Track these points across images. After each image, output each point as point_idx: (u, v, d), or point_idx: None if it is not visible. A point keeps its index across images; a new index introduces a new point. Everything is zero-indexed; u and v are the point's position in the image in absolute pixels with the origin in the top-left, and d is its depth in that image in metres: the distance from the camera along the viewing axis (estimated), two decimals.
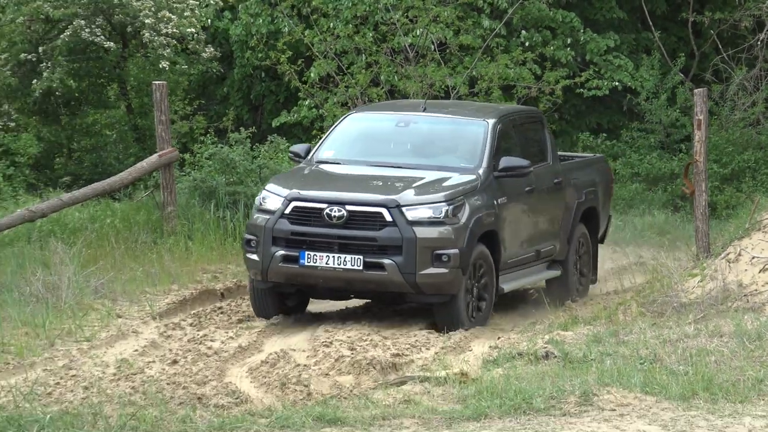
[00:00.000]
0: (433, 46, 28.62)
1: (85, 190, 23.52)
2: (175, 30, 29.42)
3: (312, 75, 28.76)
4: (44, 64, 29.27)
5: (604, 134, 32.31)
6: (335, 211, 15.32)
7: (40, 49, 29.61)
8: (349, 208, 15.37)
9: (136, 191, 26.67)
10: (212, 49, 31.13)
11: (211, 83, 34.40)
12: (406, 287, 15.31)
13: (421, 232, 15.05)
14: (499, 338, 16.43)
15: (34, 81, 29.26)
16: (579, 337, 16.51)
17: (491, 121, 17.59)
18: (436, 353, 15.36)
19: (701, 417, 12.77)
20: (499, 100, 27.94)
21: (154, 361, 14.85)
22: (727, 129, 30.59)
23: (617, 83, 31.29)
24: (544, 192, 18.27)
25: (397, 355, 15.20)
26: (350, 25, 29.65)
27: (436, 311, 16.20)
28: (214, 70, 32.47)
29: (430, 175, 16.63)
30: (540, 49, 29.82)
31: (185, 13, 29.66)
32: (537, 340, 16.15)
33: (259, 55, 30.25)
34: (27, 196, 26.85)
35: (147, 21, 28.98)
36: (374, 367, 14.47)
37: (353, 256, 15.32)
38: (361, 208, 15.49)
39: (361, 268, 15.40)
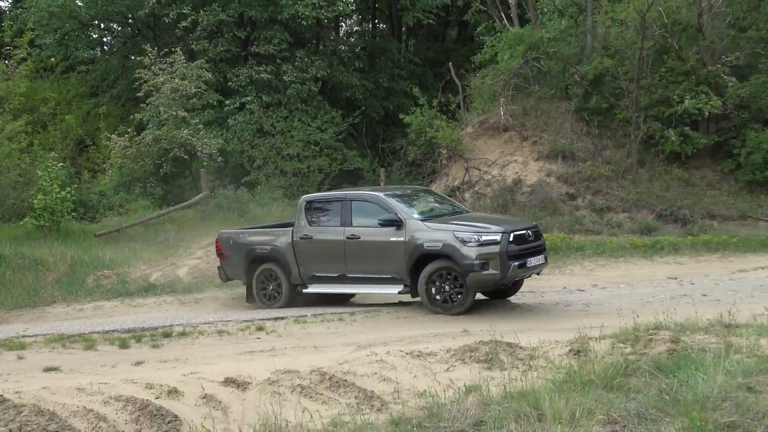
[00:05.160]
0: None
1: None
2: None
3: None
4: None
5: None
6: (530, 234, 12.60)
7: None
8: (530, 231, 12.70)
9: None
10: None
11: None
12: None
13: None
14: None
15: None
16: None
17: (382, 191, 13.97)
18: None
19: None
20: None
21: None
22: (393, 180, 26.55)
23: None
24: None
25: None
26: None
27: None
28: None
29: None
30: None
31: None
32: None
33: None
34: None
35: None
36: None
37: (541, 255, 12.85)
38: (532, 230, 12.80)
39: (544, 261, 13.02)
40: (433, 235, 12.53)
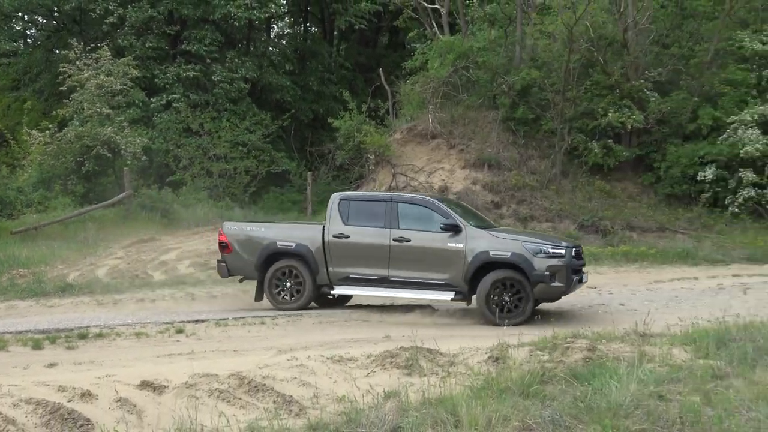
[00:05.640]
0: None
1: None
2: None
3: None
4: None
5: None
6: (580, 252, 12.87)
7: None
8: (579, 249, 12.87)
9: None
10: None
11: None
12: None
13: None
14: None
15: None
16: None
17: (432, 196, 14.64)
18: None
19: None
20: None
21: None
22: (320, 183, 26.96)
23: None
24: None
25: None
26: None
27: None
28: None
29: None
30: None
31: None
32: None
33: None
34: None
35: None
36: None
37: (585, 273, 12.88)
38: (580, 249, 12.98)
39: (587, 279, 13.06)
40: (498, 243, 12.33)
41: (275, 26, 39.80)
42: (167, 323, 12.13)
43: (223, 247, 13.87)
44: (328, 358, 8.35)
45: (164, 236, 20.37)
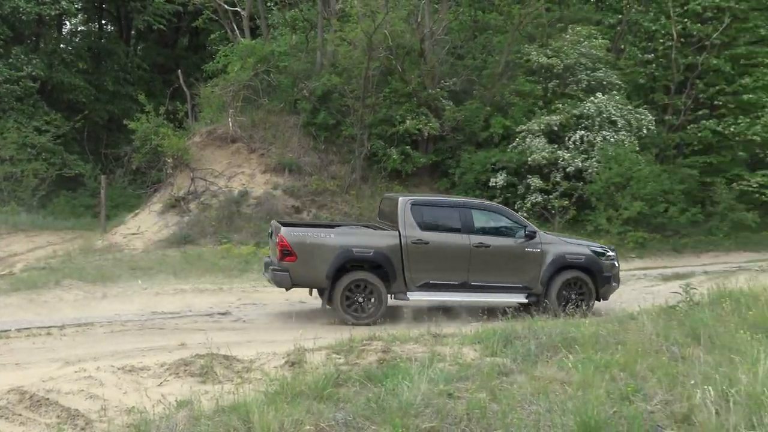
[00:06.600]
0: None
1: None
2: None
3: None
4: None
5: None
6: None
7: None
8: None
9: None
10: None
11: None
12: None
13: None
14: None
15: None
16: None
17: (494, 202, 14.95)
18: None
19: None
20: None
21: None
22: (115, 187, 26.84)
23: None
24: None
25: None
26: None
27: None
28: None
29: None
30: None
31: None
32: None
33: None
34: None
35: None
36: None
37: None
38: None
39: None
40: (571, 248, 13.29)
41: (68, 23, 37.97)
42: None
43: (285, 254, 12.47)
44: (118, 369, 8.06)
45: None
